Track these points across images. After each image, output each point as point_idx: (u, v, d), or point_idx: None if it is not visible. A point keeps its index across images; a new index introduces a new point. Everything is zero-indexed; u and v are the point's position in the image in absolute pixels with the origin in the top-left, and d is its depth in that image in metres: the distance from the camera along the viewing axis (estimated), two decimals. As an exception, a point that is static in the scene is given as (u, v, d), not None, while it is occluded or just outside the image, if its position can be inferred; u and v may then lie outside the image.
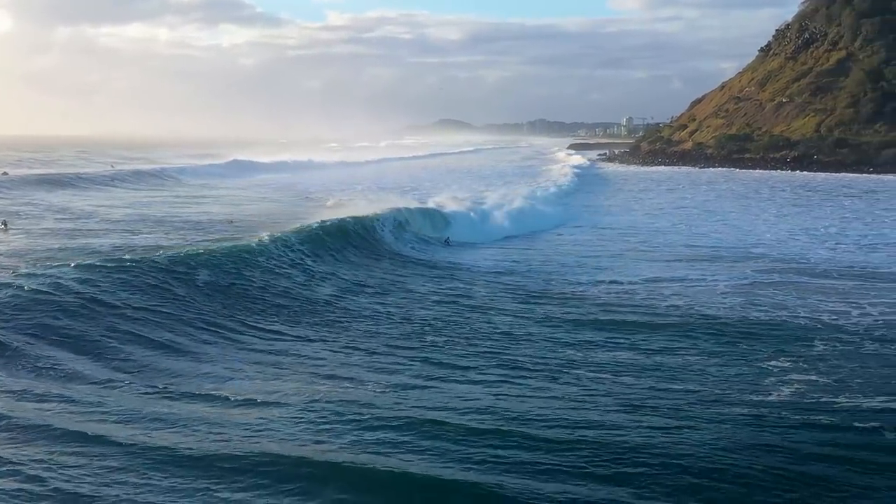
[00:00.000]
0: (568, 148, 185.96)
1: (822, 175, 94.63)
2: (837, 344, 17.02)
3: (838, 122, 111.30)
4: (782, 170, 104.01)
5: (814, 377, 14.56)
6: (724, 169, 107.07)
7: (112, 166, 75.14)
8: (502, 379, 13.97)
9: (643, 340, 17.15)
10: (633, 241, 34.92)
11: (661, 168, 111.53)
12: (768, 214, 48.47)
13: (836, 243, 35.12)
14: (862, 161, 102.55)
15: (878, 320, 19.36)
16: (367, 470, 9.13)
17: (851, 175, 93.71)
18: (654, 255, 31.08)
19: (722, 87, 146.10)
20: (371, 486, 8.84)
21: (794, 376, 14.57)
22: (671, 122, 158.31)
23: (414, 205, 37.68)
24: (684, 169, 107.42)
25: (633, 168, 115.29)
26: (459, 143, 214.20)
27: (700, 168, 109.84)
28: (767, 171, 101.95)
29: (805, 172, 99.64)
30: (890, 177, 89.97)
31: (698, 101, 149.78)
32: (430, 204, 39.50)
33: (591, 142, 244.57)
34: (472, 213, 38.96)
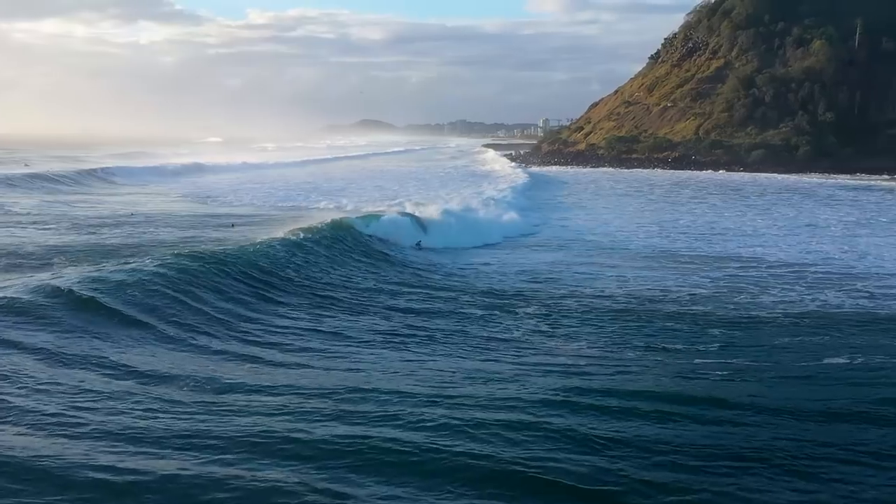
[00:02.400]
0: (480, 147, 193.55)
1: (702, 173, 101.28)
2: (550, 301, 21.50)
3: (715, 125, 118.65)
4: (664, 169, 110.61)
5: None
6: (613, 168, 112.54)
7: (26, 165, 75.29)
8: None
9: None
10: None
11: (553, 168, 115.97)
12: (632, 208, 53.49)
13: (666, 232, 39.80)
14: (734, 161, 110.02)
15: (631, 291, 23.98)
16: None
17: (723, 174, 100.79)
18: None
19: (616, 91, 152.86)
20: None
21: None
22: (570, 124, 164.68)
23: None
24: (572, 169, 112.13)
25: (532, 168, 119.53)
26: (386, 144, 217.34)
27: (592, 167, 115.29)
28: (652, 170, 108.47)
29: (685, 171, 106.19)
30: (761, 175, 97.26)
31: (595, 104, 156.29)
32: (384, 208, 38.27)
33: (504, 142, 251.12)
34: (445, 218, 36.33)
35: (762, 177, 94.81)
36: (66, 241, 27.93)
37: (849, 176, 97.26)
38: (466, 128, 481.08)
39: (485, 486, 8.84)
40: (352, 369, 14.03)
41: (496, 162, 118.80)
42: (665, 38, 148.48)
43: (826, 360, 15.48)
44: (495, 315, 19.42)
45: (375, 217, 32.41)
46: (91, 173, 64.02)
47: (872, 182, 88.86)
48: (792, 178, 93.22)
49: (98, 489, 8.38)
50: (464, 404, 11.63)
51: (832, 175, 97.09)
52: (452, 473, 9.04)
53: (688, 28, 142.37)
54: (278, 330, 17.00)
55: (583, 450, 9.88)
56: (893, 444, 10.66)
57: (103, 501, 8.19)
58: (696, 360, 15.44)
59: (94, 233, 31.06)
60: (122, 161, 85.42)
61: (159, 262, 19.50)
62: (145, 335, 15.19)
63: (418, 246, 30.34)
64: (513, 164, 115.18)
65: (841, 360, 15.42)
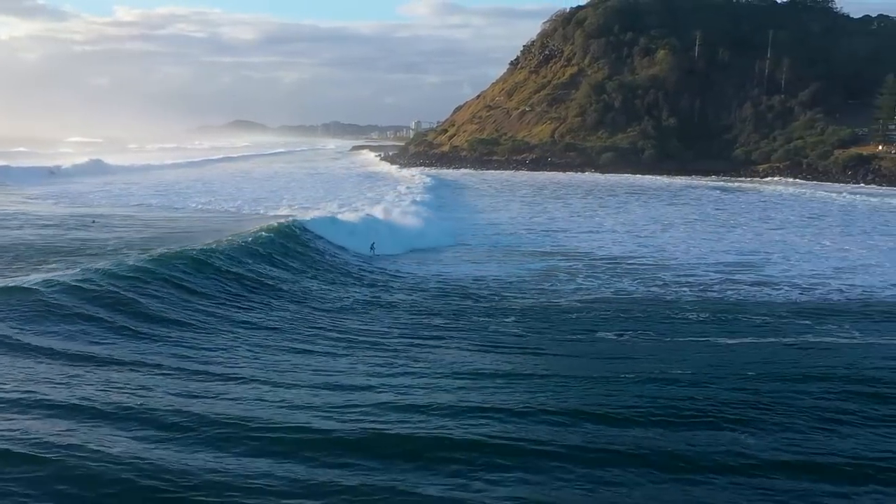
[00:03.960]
0: (351, 150, 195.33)
1: (562, 175, 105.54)
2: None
3: (569, 128, 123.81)
4: (523, 170, 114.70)
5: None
6: (474, 170, 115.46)
7: None
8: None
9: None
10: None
11: (415, 169, 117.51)
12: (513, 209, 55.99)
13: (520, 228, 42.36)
14: (587, 163, 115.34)
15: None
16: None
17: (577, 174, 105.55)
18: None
19: (479, 95, 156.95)
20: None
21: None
22: (436, 126, 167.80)
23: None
24: (434, 170, 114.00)
25: (394, 168, 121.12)
26: (266, 145, 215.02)
27: (455, 168, 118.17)
28: (511, 171, 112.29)
29: (542, 172, 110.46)
30: (611, 176, 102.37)
31: (460, 108, 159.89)
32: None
33: (375, 144, 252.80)
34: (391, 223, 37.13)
35: (613, 178, 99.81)
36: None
37: (690, 177, 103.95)
38: (340, 129, 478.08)
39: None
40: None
41: (379, 164, 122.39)
42: (524, 45, 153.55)
43: (599, 334, 18.05)
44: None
45: (334, 220, 33.06)
46: None
47: (710, 182, 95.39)
48: (640, 178, 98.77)
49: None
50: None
51: (675, 176, 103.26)
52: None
53: (545, 36, 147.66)
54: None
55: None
56: (639, 397, 12.85)
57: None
58: (493, 332, 17.77)
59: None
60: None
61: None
62: None
63: (372, 251, 29.92)
64: (396, 165, 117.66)
65: (610, 335, 17.98)
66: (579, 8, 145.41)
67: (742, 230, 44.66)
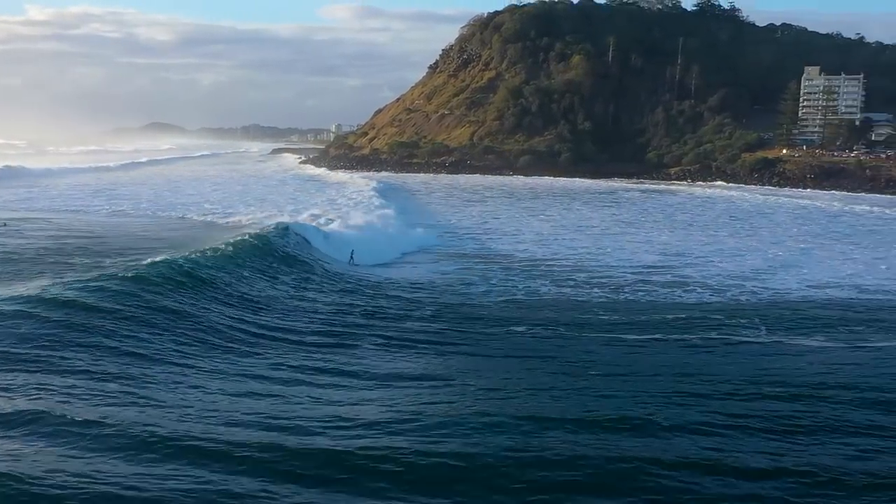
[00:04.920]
0: (271, 153, 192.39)
1: (481, 177, 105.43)
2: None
3: (487, 132, 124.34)
4: (441, 173, 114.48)
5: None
6: (395, 172, 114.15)
7: None
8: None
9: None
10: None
11: (348, 173, 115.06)
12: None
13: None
14: (505, 165, 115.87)
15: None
16: None
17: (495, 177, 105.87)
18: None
19: (399, 99, 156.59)
20: None
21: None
22: (357, 129, 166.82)
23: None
24: (356, 174, 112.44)
25: (322, 170, 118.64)
26: (189, 148, 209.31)
27: (375, 171, 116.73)
28: (432, 174, 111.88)
29: (462, 175, 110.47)
30: (535, 178, 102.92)
31: (380, 111, 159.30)
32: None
33: (296, 147, 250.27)
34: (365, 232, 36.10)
35: (534, 180, 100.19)
36: None
37: (610, 180, 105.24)
38: (260, 132, 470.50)
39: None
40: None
41: (307, 167, 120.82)
42: (443, 50, 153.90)
43: (510, 328, 18.11)
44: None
45: (315, 229, 32.12)
46: None
47: (630, 185, 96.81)
48: (560, 181, 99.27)
49: None
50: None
51: (591, 178, 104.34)
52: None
53: (463, 40, 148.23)
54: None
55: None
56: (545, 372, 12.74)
57: None
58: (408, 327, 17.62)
59: None
60: None
61: None
62: None
63: (351, 260, 29.04)
64: (323, 168, 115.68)
65: (520, 328, 18.24)
66: (497, 13, 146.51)
67: (659, 231, 45.32)
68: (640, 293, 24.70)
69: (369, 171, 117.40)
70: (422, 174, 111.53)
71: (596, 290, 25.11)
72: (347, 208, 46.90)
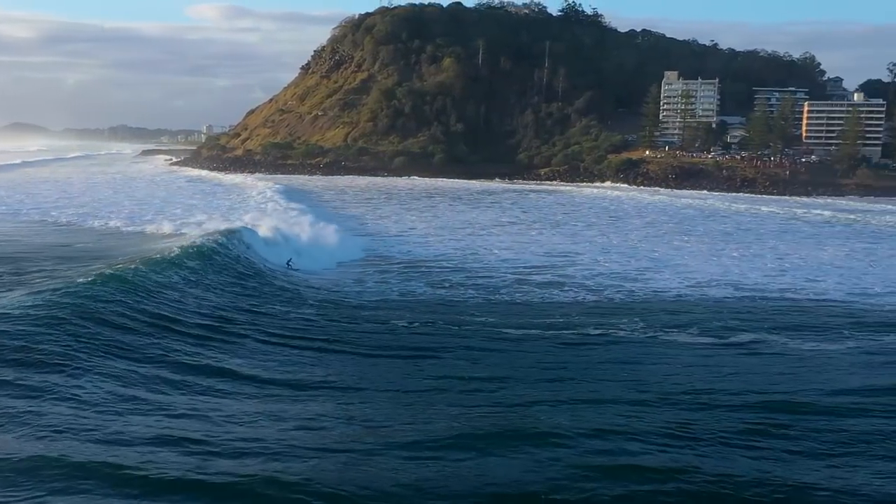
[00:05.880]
0: (141, 153, 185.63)
1: (358, 178, 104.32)
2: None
3: (361, 133, 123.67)
4: (316, 174, 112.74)
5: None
6: (269, 174, 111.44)
7: None
8: None
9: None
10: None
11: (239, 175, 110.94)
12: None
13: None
14: (380, 166, 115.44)
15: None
16: None
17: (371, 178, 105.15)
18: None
19: (271, 100, 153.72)
20: None
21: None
22: (229, 130, 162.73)
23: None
24: (230, 175, 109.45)
25: (202, 171, 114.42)
26: (60, 149, 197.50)
27: (249, 173, 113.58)
28: (307, 176, 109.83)
29: (337, 176, 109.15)
30: (407, 179, 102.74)
31: (252, 111, 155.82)
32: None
33: (165, 148, 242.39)
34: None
35: (413, 181, 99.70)
36: None
37: (491, 180, 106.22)
38: (129, 133, 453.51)
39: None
40: None
41: (187, 169, 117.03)
42: (315, 51, 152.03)
43: (392, 324, 18.07)
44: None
45: (253, 232, 30.58)
46: None
47: (506, 185, 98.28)
48: (436, 181, 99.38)
49: None
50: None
51: (466, 179, 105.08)
52: None
53: (335, 41, 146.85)
54: None
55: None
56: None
57: None
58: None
59: None
60: None
61: None
62: None
63: (289, 265, 27.70)
64: (205, 170, 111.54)
65: (402, 323, 18.65)
66: (368, 15, 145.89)
67: (538, 231, 45.53)
68: (517, 295, 24.55)
69: (243, 172, 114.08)
70: (296, 175, 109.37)
71: (471, 291, 24.87)
72: (261, 212, 45.02)
